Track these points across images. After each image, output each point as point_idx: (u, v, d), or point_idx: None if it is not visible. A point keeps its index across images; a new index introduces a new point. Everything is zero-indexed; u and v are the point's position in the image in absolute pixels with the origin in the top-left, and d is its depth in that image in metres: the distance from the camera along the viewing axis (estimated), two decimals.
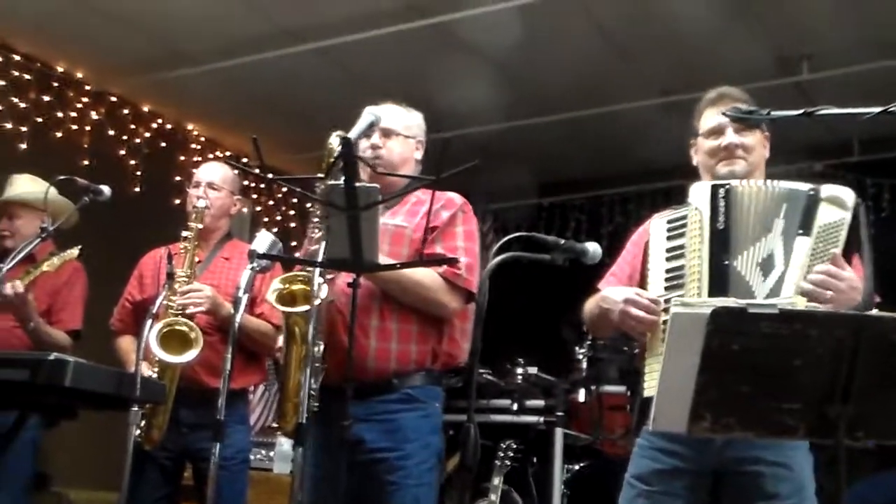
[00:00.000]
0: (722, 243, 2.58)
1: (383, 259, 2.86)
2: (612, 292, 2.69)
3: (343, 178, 2.47)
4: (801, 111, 2.40)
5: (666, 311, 2.51)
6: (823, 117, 2.40)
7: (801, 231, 2.53)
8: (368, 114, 2.81)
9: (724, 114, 2.57)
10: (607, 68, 5.92)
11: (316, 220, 3.01)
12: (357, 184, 2.47)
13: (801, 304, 2.38)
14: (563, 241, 2.64)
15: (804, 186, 2.61)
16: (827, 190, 2.57)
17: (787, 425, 2.05)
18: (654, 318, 2.55)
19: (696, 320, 2.00)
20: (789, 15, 5.34)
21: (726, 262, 2.55)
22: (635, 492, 2.65)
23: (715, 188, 2.64)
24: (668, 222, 2.71)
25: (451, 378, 3.15)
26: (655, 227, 2.73)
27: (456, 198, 3.20)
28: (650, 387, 2.56)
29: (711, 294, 2.51)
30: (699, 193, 2.67)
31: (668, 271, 2.63)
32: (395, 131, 3.24)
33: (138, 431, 3.42)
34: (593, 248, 2.67)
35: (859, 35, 5.49)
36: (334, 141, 2.84)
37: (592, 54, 5.79)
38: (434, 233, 3.09)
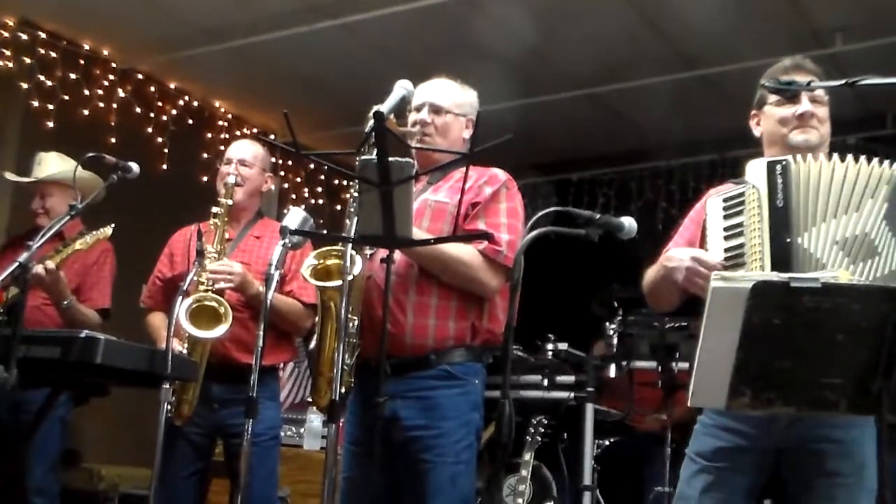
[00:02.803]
0: (782, 221, 2.51)
1: (418, 234, 2.83)
2: (677, 251, 2.66)
3: (375, 152, 2.45)
4: (842, 81, 2.35)
5: (732, 269, 2.50)
6: (865, 87, 2.35)
7: None
8: (400, 87, 2.79)
9: (762, 85, 2.52)
10: (635, 42, 5.86)
11: (355, 194, 2.97)
12: (390, 158, 2.45)
13: (845, 277, 2.34)
14: (598, 216, 2.59)
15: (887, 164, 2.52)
16: None
17: (829, 400, 2.03)
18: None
19: (736, 294, 1.97)
20: None
21: (788, 240, 2.49)
22: (697, 467, 2.61)
23: (771, 165, 2.58)
24: (725, 200, 2.66)
25: (491, 355, 3.11)
26: (712, 205, 2.68)
27: (500, 174, 3.16)
28: None
29: (774, 272, 2.40)
30: (756, 171, 2.61)
31: (726, 250, 2.59)
32: (446, 108, 3.20)
33: (169, 408, 3.42)
34: (629, 222, 2.63)
35: (892, 6, 5.39)
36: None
37: (621, 28, 5.73)
38: (476, 208, 3.05)
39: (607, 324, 5.53)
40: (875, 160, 2.54)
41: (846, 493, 2.46)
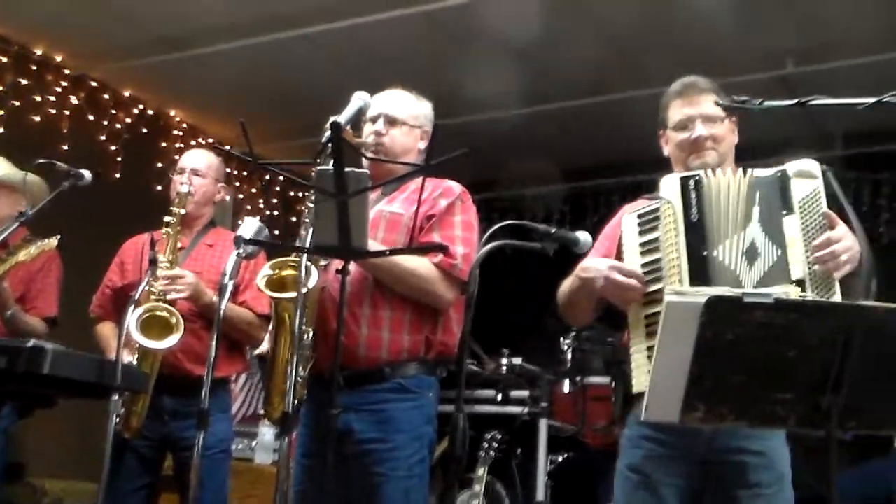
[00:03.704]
0: (698, 235, 2.59)
1: (374, 245, 2.82)
2: (594, 261, 2.69)
3: (332, 162, 2.43)
4: (794, 101, 2.38)
5: (650, 283, 2.57)
6: (817, 107, 2.38)
7: (784, 212, 2.55)
8: (357, 98, 2.78)
9: (716, 103, 2.56)
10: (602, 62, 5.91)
11: (310, 205, 2.96)
12: (346, 169, 2.43)
13: (795, 293, 2.38)
14: (553, 230, 2.61)
15: (770, 170, 2.63)
16: (793, 166, 2.61)
17: (780, 415, 2.04)
18: (639, 285, 2.58)
19: (690, 309, 1.97)
20: (774, 9, 5.32)
21: (705, 254, 2.56)
22: (633, 482, 2.65)
23: (684, 180, 2.65)
24: (640, 216, 2.72)
25: (445, 368, 3.10)
26: (627, 221, 2.73)
27: (455, 186, 3.16)
28: (639, 382, 2.57)
29: (693, 286, 2.50)
30: (669, 186, 2.67)
31: (643, 265, 2.64)
32: (401, 120, 3.20)
33: (117, 420, 3.37)
34: (584, 237, 2.65)
35: (841, 31, 5.49)
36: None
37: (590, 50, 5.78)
38: (431, 221, 3.05)
39: (562, 339, 5.55)
40: (747, 170, 2.65)
41: (767, 503, 2.54)
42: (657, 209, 2.66)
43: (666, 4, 5.24)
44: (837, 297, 2.41)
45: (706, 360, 1.98)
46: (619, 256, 2.72)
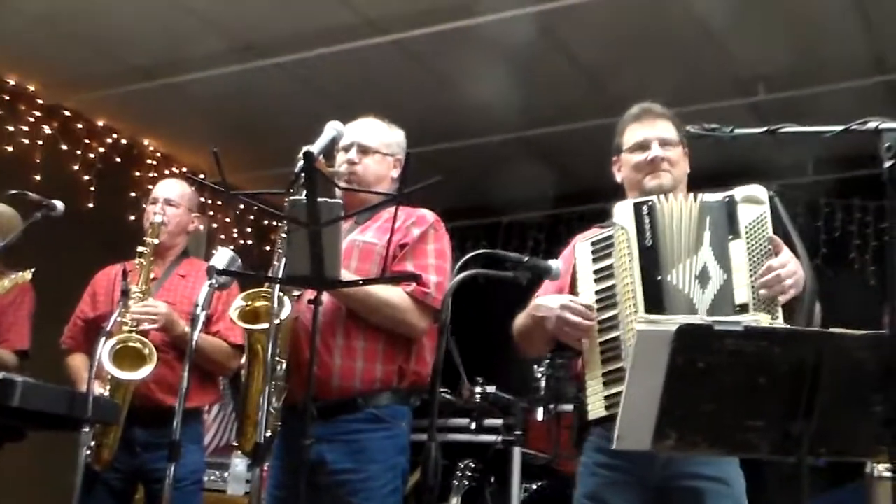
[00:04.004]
0: (652, 260, 2.62)
1: (347, 275, 2.81)
2: (545, 300, 2.71)
3: (305, 192, 2.43)
4: (764, 128, 2.40)
5: (603, 310, 2.61)
6: (786, 135, 2.40)
7: (731, 236, 2.59)
8: (331, 128, 2.78)
9: (688, 131, 2.58)
10: (564, 88, 5.94)
11: (283, 235, 2.95)
12: (319, 199, 2.44)
13: (765, 321, 2.39)
14: (525, 258, 2.61)
15: (719, 195, 2.67)
16: (740, 192, 2.65)
17: (752, 443, 2.05)
18: (590, 323, 2.60)
19: (660, 338, 1.98)
20: (746, 37, 5.39)
21: (659, 278, 2.60)
22: None
23: (637, 206, 2.68)
24: (593, 244, 2.75)
25: (418, 397, 3.10)
26: (581, 250, 2.76)
27: (428, 215, 3.17)
28: (594, 409, 2.61)
29: (648, 311, 2.55)
30: (623, 212, 2.70)
31: (598, 293, 2.68)
32: (374, 148, 3.21)
33: (88, 452, 3.33)
34: (556, 265, 2.65)
35: (812, 58, 5.56)
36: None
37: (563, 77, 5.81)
38: (405, 250, 3.05)
39: (535, 367, 5.55)
40: (698, 195, 2.69)
41: None
42: (610, 236, 2.69)
43: (639, 31, 5.29)
44: (780, 322, 2.46)
45: (677, 388, 1.98)
46: (573, 285, 2.75)
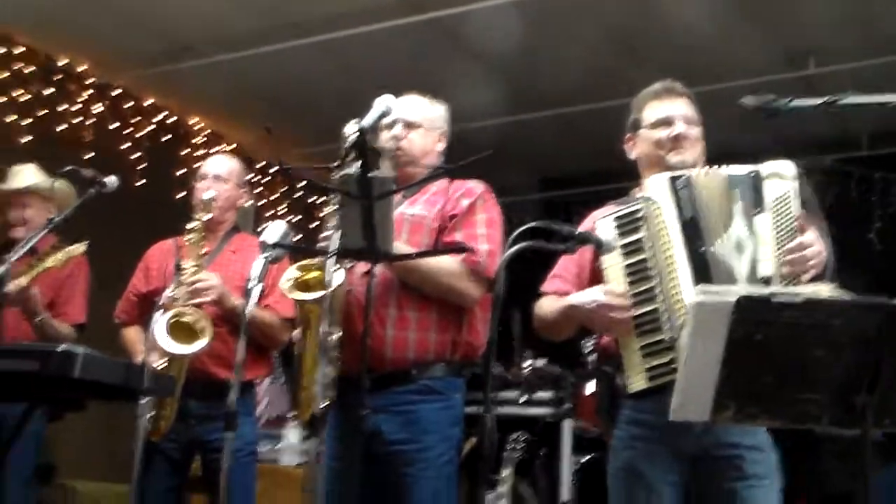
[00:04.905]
0: (695, 232, 2.64)
1: (399, 248, 2.83)
2: (581, 298, 2.72)
3: (357, 166, 2.45)
4: (822, 100, 2.38)
5: (636, 283, 2.63)
6: (844, 107, 2.38)
7: (757, 210, 2.62)
8: (381, 102, 2.79)
9: (741, 102, 2.55)
10: (613, 65, 5.89)
11: (333, 209, 2.97)
12: (371, 173, 2.45)
13: (825, 292, 2.37)
14: (578, 231, 2.60)
15: (744, 169, 2.69)
16: (767, 167, 2.67)
17: (812, 414, 2.04)
18: (627, 316, 2.61)
19: (719, 309, 1.98)
20: (795, 10, 5.31)
21: (703, 249, 2.62)
22: (629, 482, 2.68)
23: (673, 180, 2.70)
24: (617, 219, 2.74)
25: (471, 369, 3.11)
26: (603, 226, 2.75)
27: (476, 185, 3.17)
28: (636, 381, 2.62)
29: (697, 282, 2.56)
30: (658, 186, 2.71)
31: (627, 266, 2.68)
32: (418, 123, 3.22)
33: (146, 423, 3.39)
34: (607, 237, 2.64)
35: (864, 30, 5.47)
36: (349, 129, 2.82)
37: (598, 51, 5.77)
38: (454, 220, 3.06)
39: (583, 341, 5.53)
40: (721, 167, 2.71)
41: (765, 494, 2.60)
42: (637, 210, 2.70)
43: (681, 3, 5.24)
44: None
45: (736, 360, 1.98)
46: (595, 260, 2.76)
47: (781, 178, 2.64)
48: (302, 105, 6.53)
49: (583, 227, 2.89)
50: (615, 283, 2.67)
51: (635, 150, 2.94)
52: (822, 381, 2.00)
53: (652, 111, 2.88)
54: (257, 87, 6.45)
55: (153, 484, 3.63)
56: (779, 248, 2.56)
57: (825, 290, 2.37)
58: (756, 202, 2.63)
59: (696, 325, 2.06)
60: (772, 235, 2.58)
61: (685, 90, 2.91)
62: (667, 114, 2.84)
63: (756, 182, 2.65)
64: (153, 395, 3.31)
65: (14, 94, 5.89)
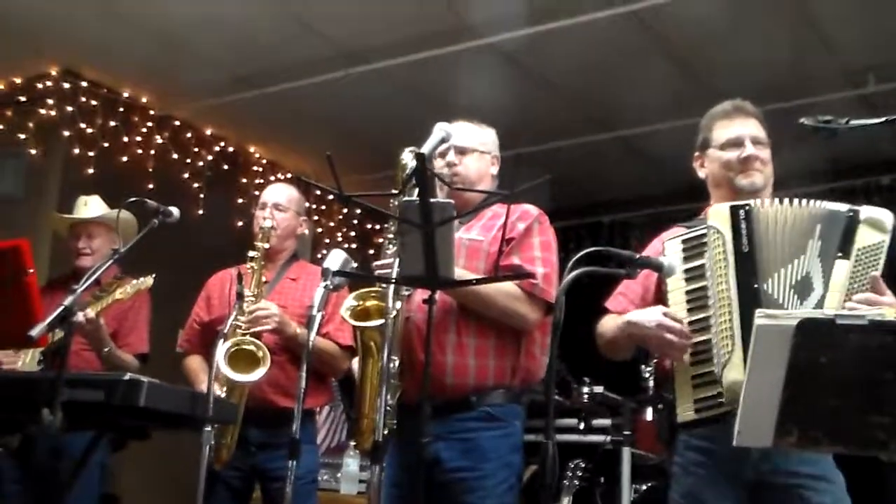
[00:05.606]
0: (748, 266, 2.56)
1: (459, 273, 2.84)
2: (641, 316, 2.67)
3: (417, 193, 2.47)
4: (882, 119, 2.35)
5: (694, 311, 2.58)
6: None
7: (839, 254, 2.51)
8: (439, 129, 2.81)
9: (802, 122, 2.53)
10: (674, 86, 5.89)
11: (390, 236, 2.99)
12: (432, 199, 2.46)
13: (891, 315, 2.33)
14: (637, 256, 2.59)
15: (842, 207, 2.59)
16: (867, 212, 2.56)
17: (879, 439, 2.00)
18: (686, 342, 2.56)
19: (781, 332, 1.96)
20: (853, 27, 5.26)
21: (755, 286, 2.54)
22: None
23: (734, 209, 2.63)
24: (684, 242, 2.70)
25: (530, 395, 3.10)
26: (671, 248, 2.72)
27: (531, 209, 3.18)
28: (683, 413, 2.59)
29: (742, 318, 2.49)
30: (718, 215, 2.65)
31: (688, 293, 2.64)
32: (471, 148, 3.24)
33: (209, 451, 3.42)
34: (668, 261, 2.62)
35: None
36: (407, 157, 2.85)
37: (660, 72, 5.77)
38: (511, 244, 3.06)
39: (643, 367, 5.49)
40: (810, 201, 2.60)
41: None
42: (703, 235, 2.65)
43: (741, 22, 5.21)
44: None
45: (799, 383, 1.95)
46: (661, 281, 2.72)
47: (878, 227, 2.53)
48: (358, 132, 6.60)
49: (650, 248, 2.90)
50: (676, 307, 2.63)
51: (703, 169, 2.90)
52: (890, 405, 1.97)
53: (722, 131, 2.84)
54: (314, 114, 6.54)
55: None
56: (847, 300, 2.45)
57: (890, 313, 2.33)
58: (842, 246, 2.52)
59: (758, 349, 2.04)
60: (845, 284, 2.48)
61: (755, 110, 2.85)
62: (737, 134, 2.79)
63: (850, 224, 2.54)
64: (217, 423, 3.35)
65: (80, 127, 6.04)
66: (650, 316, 2.63)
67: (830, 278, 2.50)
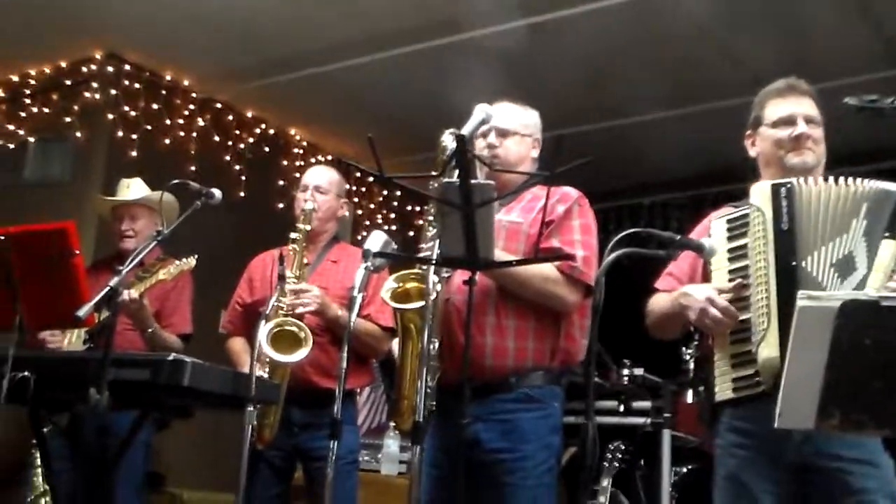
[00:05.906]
0: (788, 244, 2.55)
1: (499, 255, 2.84)
2: (694, 290, 2.67)
3: (458, 175, 2.47)
4: None
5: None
6: None
7: (887, 234, 2.49)
8: (480, 110, 2.81)
9: (846, 102, 2.50)
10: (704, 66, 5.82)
11: (431, 218, 3.00)
12: (472, 181, 2.47)
13: None
14: (678, 237, 2.58)
15: (892, 186, 2.56)
16: None
17: None
18: (731, 320, 2.56)
19: (823, 313, 1.94)
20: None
21: (794, 263, 2.53)
22: (732, 492, 2.63)
23: (776, 188, 2.61)
24: (728, 222, 2.70)
25: (569, 377, 3.10)
26: (716, 227, 2.72)
27: (571, 191, 3.17)
28: (721, 391, 2.61)
29: (780, 296, 2.49)
30: (760, 193, 2.64)
31: (731, 272, 2.64)
32: (512, 130, 3.23)
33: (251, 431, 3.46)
34: (709, 243, 2.61)
35: None
36: (447, 139, 2.84)
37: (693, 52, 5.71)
38: (550, 227, 3.06)
39: (683, 348, 5.46)
40: (858, 180, 2.57)
41: None
42: (746, 215, 2.65)
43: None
44: None
45: (842, 365, 1.94)
46: (706, 263, 2.72)
47: None
48: (397, 114, 6.60)
49: (699, 227, 2.90)
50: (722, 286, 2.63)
51: (754, 148, 2.88)
52: None
53: (774, 109, 2.81)
54: (353, 97, 6.54)
55: (258, 491, 3.71)
56: (890, 279, 2.44)
57: None
58: (890, 226, 2.49)
59: (800, 330, 2.02)
60: (889, 265, 2.46)
61: (809, 88, 2.82)
62: (789, 112, 2.77)
63: None
64: (259, 403, 3.38)
65: (123, 110, 6.10)
66: (703, 291, 2.64)
67: (876, 258, 2.48)
